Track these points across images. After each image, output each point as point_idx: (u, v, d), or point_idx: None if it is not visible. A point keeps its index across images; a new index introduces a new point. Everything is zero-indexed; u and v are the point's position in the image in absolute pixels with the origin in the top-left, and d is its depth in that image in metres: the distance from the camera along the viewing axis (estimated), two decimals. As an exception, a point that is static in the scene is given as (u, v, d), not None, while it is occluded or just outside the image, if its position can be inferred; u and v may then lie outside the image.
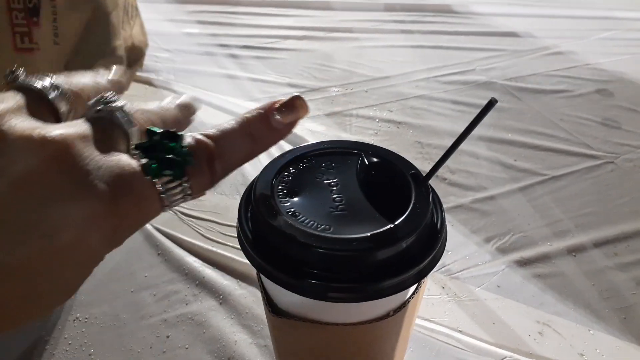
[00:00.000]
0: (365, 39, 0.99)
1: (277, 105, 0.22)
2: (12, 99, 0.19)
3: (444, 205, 0.27)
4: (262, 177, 0.27)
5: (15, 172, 0.16)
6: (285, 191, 0.26)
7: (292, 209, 0.25)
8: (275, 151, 0.27)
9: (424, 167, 0.27)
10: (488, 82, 0.82)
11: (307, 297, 0.24)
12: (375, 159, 0.28)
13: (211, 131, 0.21)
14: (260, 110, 0.22)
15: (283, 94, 0.69)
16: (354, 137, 0.69)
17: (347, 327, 0.26)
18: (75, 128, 0.18)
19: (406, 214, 0.24)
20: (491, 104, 0.24)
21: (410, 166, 0.27)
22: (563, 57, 0.91)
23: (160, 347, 0.41)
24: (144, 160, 0.19)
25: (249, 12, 1.08)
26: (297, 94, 0.23)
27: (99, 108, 0.20)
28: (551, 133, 0.69)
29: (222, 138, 0.21)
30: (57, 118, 0.20)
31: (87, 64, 0.62)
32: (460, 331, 0.43)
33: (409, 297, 0.27)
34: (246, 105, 0.75)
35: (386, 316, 0.26)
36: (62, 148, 0.17)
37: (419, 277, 0.24)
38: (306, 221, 0.24)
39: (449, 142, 0.26)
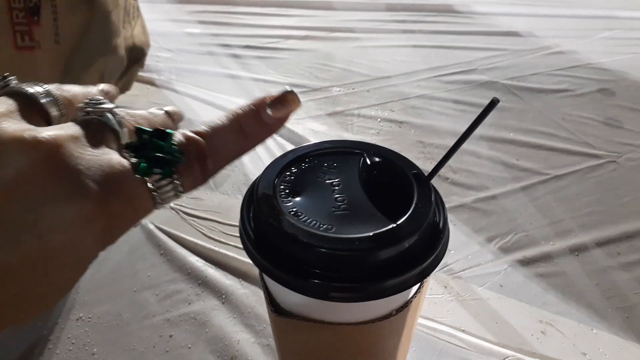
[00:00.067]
0: (367, 38, 0.99)
1: (268, 100, 0.22)
2: (4, 104, 0.19)
3: (446, 205, 0.27)
4: (264, 176, 0.27)
5: (7, 173, 0.16)
6: (287, 191, 0.26)
7: (295, 209, 0.25)
8: (277, 151, 0.27)
9: (426, 166, 0.27)
10: (490, 82, 0.82)
11: (309, 296, 0.24)
12: (377, 159, 0.28)
13: (201, 128, 0.21)
14: (251, 106, 0.22)
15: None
16: (356, 136, 0.69)
17: (349, 326, 0.26)
18: (65, 129, 0.18)
19: (408, 214, 0.24)
20: (493, 103, 0.24)
21: (412, 166, 0.27)
22: (565, 56, 0.90)
23: (163, 347, 0.42)
24: (134, 160, 0.19)
25: (250, 12, 1.08)
26: (288, 87, 0.23)
27: (88, 110, 0.20)
28: (553, 132, 0.69)
29: (213, 134, 0.21)
30: (48, 123, 0.20)
31: (88, 63, 0.62)
32: (462, 330, 0.43)
33: (412, 297, 0.27)
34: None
35: (389, 316, 0.26)
36: (53, 149, 0.17)
37: (421, 277, 0.24)
38: (308, 221, 0.24)
39: (450, 142, 0.26)
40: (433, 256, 0.24)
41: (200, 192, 0.58)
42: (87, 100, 0.20)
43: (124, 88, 0.74)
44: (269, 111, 0.22)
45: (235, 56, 0.91)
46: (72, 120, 0.20)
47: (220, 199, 0.57)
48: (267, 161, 0.28)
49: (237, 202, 0.57)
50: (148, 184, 0.19)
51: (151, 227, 0.52)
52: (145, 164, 0.19)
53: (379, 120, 0.73)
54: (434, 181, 0.27)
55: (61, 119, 0.21)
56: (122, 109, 0.21)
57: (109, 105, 0.20)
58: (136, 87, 0.78)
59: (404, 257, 0.24)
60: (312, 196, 0.26)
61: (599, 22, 1.04)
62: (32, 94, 0.20)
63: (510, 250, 0.51)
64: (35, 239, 0.16)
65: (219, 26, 1.02)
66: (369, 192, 0.26)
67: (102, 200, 0.18)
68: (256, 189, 0.26)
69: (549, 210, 0.56)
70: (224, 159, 0.22)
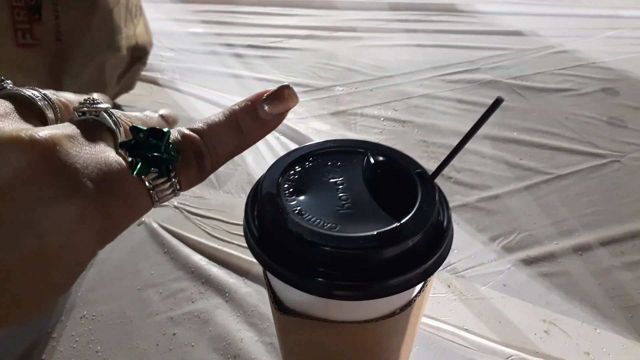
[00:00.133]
0: (370, 38, 0.99)
1: (265, 96, 0.22)
2: (1, 105, 0.19)
3: (450, 204, 0.27)
4: (268, 175, 0.27)
5: (4, 173, 0.16)
6: (291, 190, 0.26)
7: (299, 208, 0.25)
8: (280, 150, 0.28)
9: (429, 165, 0.27)
10: (493, 81, 0.82)
11: (313, 295, 0.24)
12: (380, 158, 0.28)
13: (198, 125, 0.21)
14: (248, 102, 0.22)
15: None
16: (359, 136, 0.69)
17: (353, 325, 0.26)
18: (62, 129, 0.18)
19: (412, 213, 0.24)
20: (497, 102, 0.24)
21: (416, 165, 0.27)
22: (568, 55, 0.90)
23: (167, 345, 0.42)
24: (129, 159, 0.19)
25: (253, 12, 1.08)
26: (286, 83, 0.23)
27: (85, 109, 0.20)
28: (556, 132, 0.69)
29: (210, 132, 0.21)
30: (44, 125, 0.20)
31: (89, 61, 0.62)
32: (466, 330, 0.43)
33: (415, 296, 0.27)
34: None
35: (392, 314, 0.26)
36: (50, 148, 0.17)
37: (425, 276, 0.24)
38: (312, 220, 0.24)
39: (453, 141, 0.26)
40: (437, 255, 0.24)
41: (204, 191, 0.58)
42: (83, 100, 0.21)
43: (127, 87, 0.74)
44: (265, 107, 0.22)
45: (238, 55, 0.91)
46: (68, 120, 0.20)
47: (224, 198, 0.58)
48: (271, 160, 0.28)
49: (240, 201, 0.57)
50: (145, 182, 0.19)
51: (155, 225, 0.53)
52: (142, 164, 0.19)
53: (382, 119, 0.73)
54: (438, 180, 0.27)
55: (57, 122, 0.21)
56: (117, 111, 0.21)
57: (105, 105, 0.20)
58: (140, 86, 0.78)
59: (408, 256, 0.24)
60: (316, 195, 0.26)
61: (603, 21, 1.04)
62: (28, 96, 0.20)
63: (513, 249, 0.51)
64: (34, 238, 0.16)
65: (222, 26, 1.02)
66: (372, 191, 0.26)
67: (99, 198, 0.18)
68: (260, 187, 0.26)
69: (553, 209, 0.56)
70: (221, 157, 0.22)
